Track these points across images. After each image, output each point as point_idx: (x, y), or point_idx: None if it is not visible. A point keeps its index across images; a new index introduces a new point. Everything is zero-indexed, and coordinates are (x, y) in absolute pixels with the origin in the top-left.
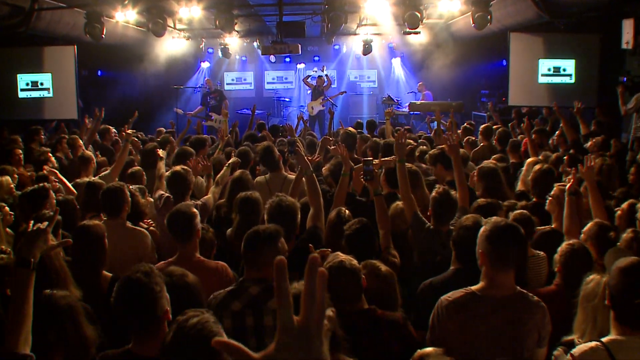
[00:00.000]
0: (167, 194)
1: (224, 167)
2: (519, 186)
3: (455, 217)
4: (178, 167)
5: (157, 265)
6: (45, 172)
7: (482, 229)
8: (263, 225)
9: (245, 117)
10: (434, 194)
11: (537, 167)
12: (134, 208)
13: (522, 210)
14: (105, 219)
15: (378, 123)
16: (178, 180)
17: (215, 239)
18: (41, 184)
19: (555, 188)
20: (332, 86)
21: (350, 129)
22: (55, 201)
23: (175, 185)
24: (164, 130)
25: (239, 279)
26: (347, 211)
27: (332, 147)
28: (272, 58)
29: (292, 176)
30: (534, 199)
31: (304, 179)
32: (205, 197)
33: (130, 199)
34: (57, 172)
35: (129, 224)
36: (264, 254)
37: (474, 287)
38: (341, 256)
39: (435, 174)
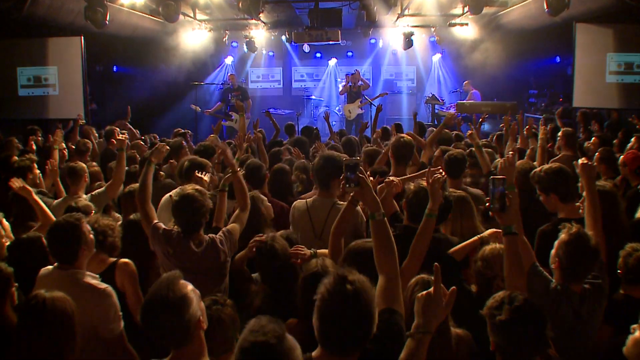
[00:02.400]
0: (174, 227)
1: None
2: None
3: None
4: (189, 188)
5: None
6: (15, 189)
7: None
8: None
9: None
10: (563, 236)
11: None
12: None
13: None
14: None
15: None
16: (188, 207)
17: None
18: None
19: None
20: (369, 85)
21: (405, 136)
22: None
23: (185, 214)
24: (181, 130)
25: None
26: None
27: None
28: (306, 47)
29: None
30: None
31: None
32: (230, 225)
33: (92, 237)
34: (31, 191)
35: (88, 277)
36: None
37: None
38: None
39: (546, 203)
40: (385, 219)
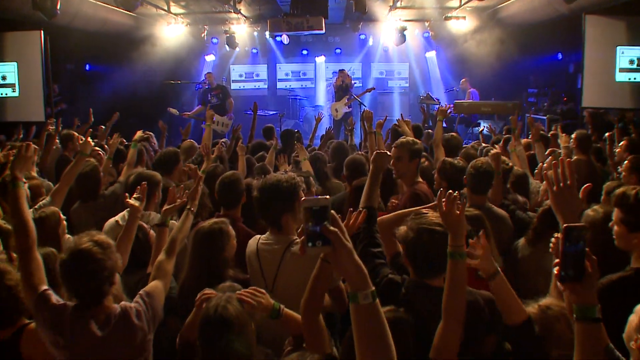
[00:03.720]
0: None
1: (184, 213)
2: None
3: None
4: (85, 240)
5: None
6: None
7: None
8: None
9: (261, 119)
10: None
11: None
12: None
13: None
14: None
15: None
16: (82, 269)
17: None
18: None
19: None
20: (354, 83)
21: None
22: None
23: (78, 280)
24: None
25: None
26: None
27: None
28: (285, 39)
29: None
30: None
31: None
32: (150, 285)
33: None
34: None
35: None
36: None
37: None
38: None
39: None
40: (377, 301)
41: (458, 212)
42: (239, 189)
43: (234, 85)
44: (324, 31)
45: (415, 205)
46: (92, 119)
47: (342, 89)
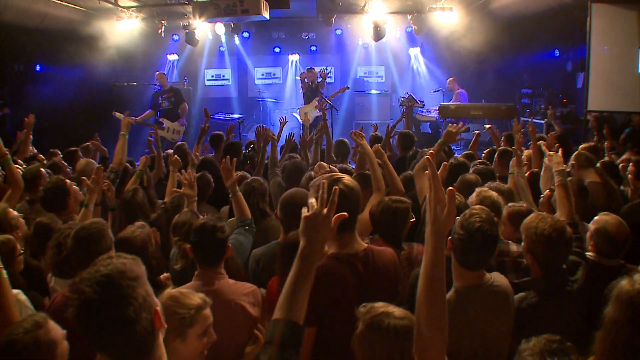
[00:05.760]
0: None
1: None
2: None
3: None
4: None
5: None
6: None
7: None
8: None
9: (220, 125)
10: None
11: None
12: None
13: None
14: None
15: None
16: None
17: None
18: None
19: None
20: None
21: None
22: None
23: None
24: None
25: None
26: None
27: None
28: (220, 28)
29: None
30: None
31: None
32: None
33: None
34: None
35: None
36: None
37: None
38: None
39: None
40: None
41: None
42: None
43: (208, 84)
44: (266, 17)
45: None
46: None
47: (311, 89)
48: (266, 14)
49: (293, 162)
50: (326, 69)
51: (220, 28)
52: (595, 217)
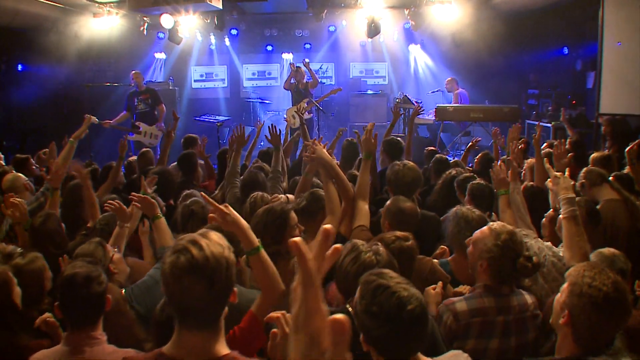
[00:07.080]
0: None
1: None
2: None
3: None
4: None
5: None
6: None
7: None
8: None
9: (204, 128)
10: None
11: None
12: None
13: None
14: None
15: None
16: None
17: None
18: None
19: None
20: (320, 81)
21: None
22: None
23: None
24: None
25: None
26: None
27: None
28: (167, 21)
29: None
30: None
31: None
32: None
33: None
34: None
35: None
36: None
37: None
38: None
39: None
40: None
41: None
42: None
43: (195, 85)
44: (218, 6)
45: None
46: None
47: (297, 90)
48: (217, 4)
49: (250, 174)
50: (321, 67)
51: (167, 20)
52: None
